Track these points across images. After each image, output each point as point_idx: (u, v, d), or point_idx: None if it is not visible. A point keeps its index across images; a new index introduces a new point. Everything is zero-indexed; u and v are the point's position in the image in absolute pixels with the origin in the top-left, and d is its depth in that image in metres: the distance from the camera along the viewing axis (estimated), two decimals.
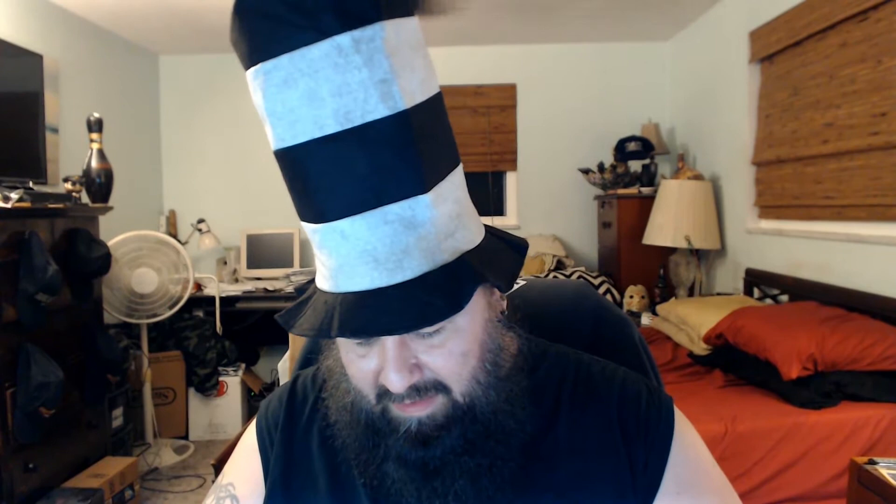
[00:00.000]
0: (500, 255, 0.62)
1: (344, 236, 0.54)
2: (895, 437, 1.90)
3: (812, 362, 2.01)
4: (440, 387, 0.59)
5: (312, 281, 0.64)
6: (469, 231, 0.59)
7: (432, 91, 0.57)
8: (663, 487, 0.64)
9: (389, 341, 0.57)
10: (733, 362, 2.38)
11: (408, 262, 0.54)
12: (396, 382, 0.56)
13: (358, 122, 0.52)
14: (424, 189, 0.55)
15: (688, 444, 0.67)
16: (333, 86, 0.52)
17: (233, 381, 3.73)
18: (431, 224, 0.55)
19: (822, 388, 2.01)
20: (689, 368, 2.54)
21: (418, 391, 0.58)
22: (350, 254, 0.54)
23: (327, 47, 0.51)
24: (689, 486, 0.64)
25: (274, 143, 0.55)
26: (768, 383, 2.14)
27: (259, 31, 0.52)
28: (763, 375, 2.17)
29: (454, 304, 0.54)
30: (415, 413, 0.59)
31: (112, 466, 2.66)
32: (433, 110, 0.57)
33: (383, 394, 0.60)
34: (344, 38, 0.51)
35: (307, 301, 0.60)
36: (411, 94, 0.54)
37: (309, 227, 0.57)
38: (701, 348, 2.57)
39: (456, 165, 0.60)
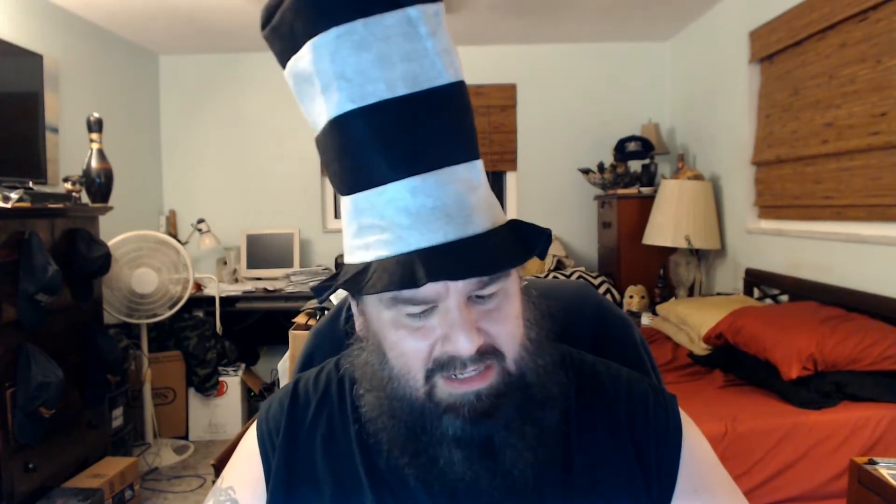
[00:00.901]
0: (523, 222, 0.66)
1: (414, 193, 0.56)
2: (895, 437, 1.90)
3: (812, 362, 2.01)
4: (497, 353, 0.60)
5: (335, 276, 0.63)
6: (498, 203, 0.64)
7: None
8: (679, 487, 0.65)
9: (454, 303, 0.57)
10: (733, 362, 2.38)
11: (475, 218, 0.57)
12: (466, 344, 0.56)
13: (425, 86, 0.56)
14: (478, 154, 0.61)
15: (695, 442, 0.68)
16: (403, 51, 0.56)
17: (233, 381, 3.73)
18: (485, 188, 0.60)
19: (822, 388, 2.01)
20: (689, 368, 2.54)
21: (480, 358, 0.58)
22: (421, 211, 0.56)
23: (399, 16, 0.56)
24: (703, 484, 0.65)
25: (337, 108, 0.57)
26: (768, 383, 2.14)
27: None
28: (763, 375, 2.17)
29: (526, 251, 0.58)
30: (473, 387, 0.59)
31: (112, 466, 2.66)
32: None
33: (436, 368, 0.59)
34: (413, 11, 0.56)
35: (365, 270, 0.58)
36: (460, 67, 0.60)
37: (371, 193, 0.58)
38: (701, 348, 2.57)
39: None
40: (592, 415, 0.68)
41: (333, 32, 0.56)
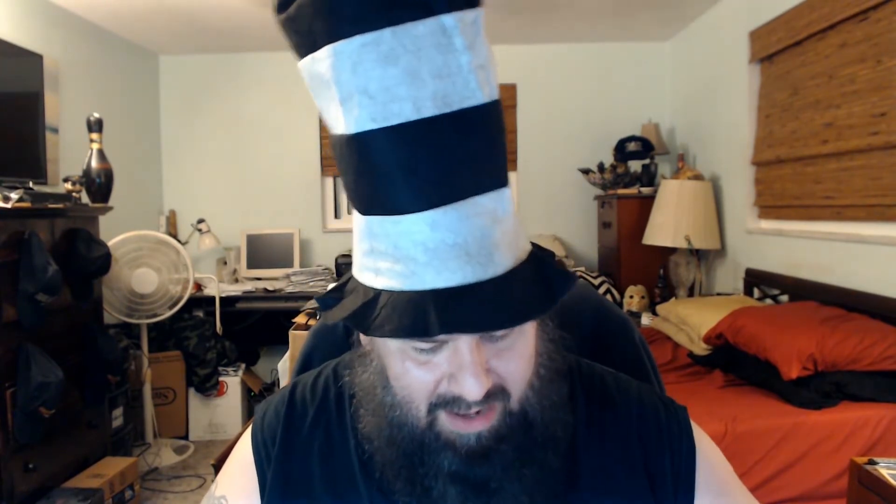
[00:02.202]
0: (546, 253, 0.60)
1: (434, 227, 0.51)
2: (895, 437, 1.90)
3: (812, 362, 2.01)
4: (503, 394, 0.57)
5: (342, 286, 0.60)
6: (524, 230, 0.59)
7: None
8: (698, 499, 0.64)
9: (465, 345, 0.54)
10: (733, 362, 2.38)
11: (498, 257, 0.53)
12: (475, 388, 0.53)
13: (456, 106, 0.50)
14: (506, 182, 0.55)
15: (709, 452, 0.67)
16: (434, 66, 0.49)
17: (233, 381, 3.73)
18: (511, 219, 0.55)
19: (822, 388, 2.00)
20: (689, 368, 2.54)
21: (486, 399, 0.55)
22: (440, 247, 0.51)
23: (433, 25, 0.49)
24: (722, 492, 0.65)
25: (357, 125, 0.51)
26: (768, 383, 2.14)
27: (360, 0, 0.49)
28: (763, 375, 2.17)
29: (550, 298, 0.53)
30: (475, 427, 0.56)
31: (112, 466, 2.66)
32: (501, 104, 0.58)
33: (440, 404, 0.57)
34: (449, 19, 0.49)
35: (374, 302, 0.54)
36: (496, 82, 0.54)
37: (384, 220, 0.53)
38: (701, 348, 2.57)
39: None
40: (601, 429, 0.66)
41: (358, 41, 0.49)
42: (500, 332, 0.55)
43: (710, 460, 0.66)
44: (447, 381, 0.56)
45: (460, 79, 0.50)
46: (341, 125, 0.53)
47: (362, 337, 0.65)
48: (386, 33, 0.49)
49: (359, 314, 0.55)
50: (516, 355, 0.57)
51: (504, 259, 0.53)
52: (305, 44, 0.53)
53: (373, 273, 0.56)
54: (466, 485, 0.57)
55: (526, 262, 0.55)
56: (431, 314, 0.50)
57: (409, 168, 0.50)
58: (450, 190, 0.51)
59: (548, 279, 0.55)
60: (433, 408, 0.57)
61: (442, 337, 0.53)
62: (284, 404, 0.72)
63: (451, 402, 0.56)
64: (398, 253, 0.53)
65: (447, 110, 0.50)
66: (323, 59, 0.51)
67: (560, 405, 0.61)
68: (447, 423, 0.57)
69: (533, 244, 0.61)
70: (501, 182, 0.54)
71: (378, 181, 0.52)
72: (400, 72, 0.49)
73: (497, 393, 0.56)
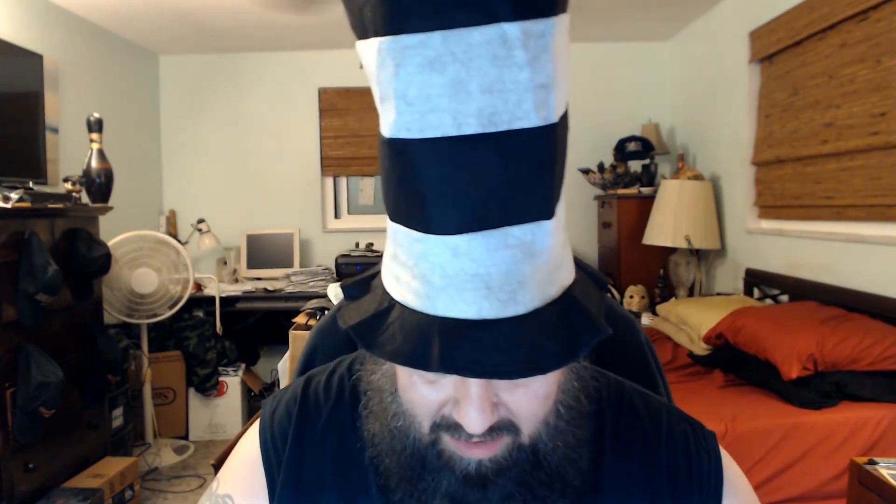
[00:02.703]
0: (589, 291, 0.55)
1: (456, 254, 0.47)
2: (895, 437, 1.90)
3: (812, 362, 2.01)
4: (511, 428, 0.54)
5: (369, 280, 0.58)
6: (570, 261, 0.54)
7: (567, 99, 0.51)
8: None
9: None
10: (733, 362, 2.38)
11: (521, 295, 0.48)
12: (477, 423, 0.50)
13: (503, 126, 0.45)
14: (550, 214, 0.48)
15: (736, 484, 0.64)
16: (486, 80, 0.44)
17: (233, 381, 3.73)
18: (548, 254, 0.49)
19: (822, 388, 2.00)
20: (689, 368, 2.54)
21: (490, 431, 0.53)
22: (459, 275, 0.47)
23: (491, 34, 0.43)
24: None
25: (393, 130, 0.47)
26: (768, 383, 2.14)
27: None
28: (763, 375, 2.17)
29: (570, 353, 0.48)
30: (476, 455, 0.54)
31: (112, 466, 2.66)
32: (567, 123, 0.51)
33: (443, 425, 0.54)
34: (513, 28, 0.43)
35: (386, 314, 0.52)
36: (560, 104, 0.47)
37: (408, 233, 0.49)
38: (701, 348, 2.57)
39: (563, 182, 0.52)
40: (628, 458, 0.63)
41: (403, 41, 0.44)
42: None
43: (736, 488, 0.64)
44: (451, 405, 0.54)
45: (514, 97, 0.44)
46: (380, 118, 0.49)
47: None
48: (435, 37, 0.43)
49: (367, 325, 0.52)
50: (530, 393, 0.53)
51: (529, 298, 0.48)
52: (357, 27, 0.48)
53: (394, 279, 0.53)
54: None
55: (555, 303, 0.50)
56: (434, 347, 0.47)
57: (439, 187, 0.46)
58: (480, 217, 0.46)
59: (573, 328, 0.49)
60: (435, 427, 0.55)
61: None
62: (297, 403, 0.68)
63: (452, 427, 0.54)
64: (416, 270, 0.49)
65: (491, 130, 0.45)
66: (368, 50, 0.47)
67: (577, 446, 0.58)
68: (450, 444, 0.55)
69: (580, 273, 0.56)
70: (544, 214, 0.48)
71: (406, 192, 0.48)
72: (445, 81, 0.44)
73: (504, 427, 0.54)
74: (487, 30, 0.43)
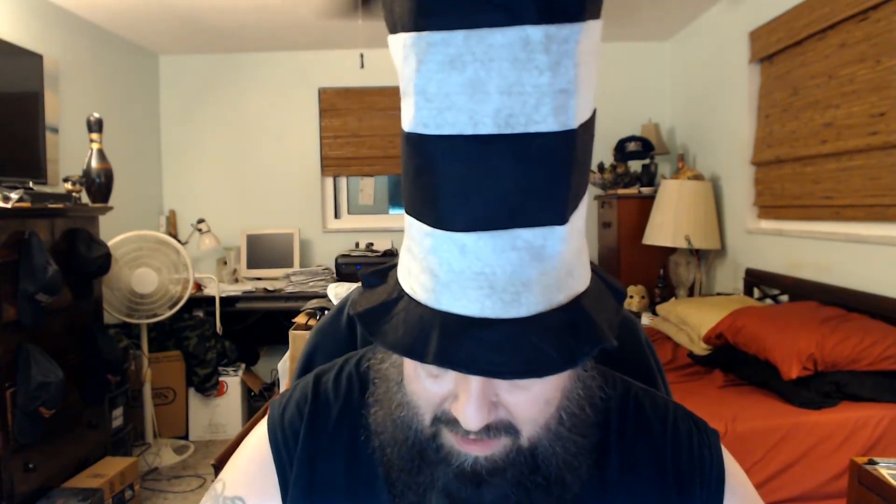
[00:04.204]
0: (604, 301, 0.54)
1: (463, 252, 0.47)
2: (895, 437, 1.90)
3: (812, 362, 2.01)
4: (510, 429, 0.54)
5: (387, 270, 0.58)
6: (584, 269, 0.53)
7: (593, 107, 0.51)
8: None
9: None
10: (733, 362, 2.38)
11: (525, 298, 0.48)
12: (473, 420, 0.51)
13: (519, 129, 0.45)
14: (563, 220, 0.48)
15: (738, 482, 0.65)
16: (505, 82, 0.44)
17: (233, 381, 3.73)
18: (558, 259, 0.49)
19: (822, 388, 2.01)
20: (689, 368, 2.54)
21: (488, 430, 0.53)
22: (464, 272, 0.48)
23: (513, 36, 0.43)
24: None
25: (412, 125, 0.48)
26: (768, 383, 2.14)
27: None
28: (763, 375, 2.17)
29: (569, 359, 0.48)
30: (473, 451, 0.54)
31: (112, 466, 2.66)
32: (591, 130, 0.51)
33: (443, 419, 0.55)
34: (536, 31, 0.43)
35: (394, 304, 0.53)
36: (582, 111, 0.47)
37: (421, 227, 0.50)
38: (701, 348, 2.57)
39: (586, 190, 0.53)
40: (635, 455, 0.64)
41: (426, 38, 0.45)
42: None
43: (737, 488, 0.64)
44: (452, 400, 0.54)
45: (532, 100, 0.44)
46: (403, 117, 0.50)
47: None
48: (458, 36, 0.44)
49: (374, 313, 0.53)
50: (531, 396, 0.54)
51: (534, 302, 0.48)
52: (388, 22, 0.49)
53: (406, 272, 0.54)
54: (458, 502, 0.56)
55: (561, 309, 0.49)
56: (433, 340, 0.48)
57: (451, 184, 0.47)
58: (489, 217, 0.46)
59: (575, 337, 0.49)
60: (436, 421, 0.56)
61: None
62: (308, 401, 0.68)
63: (452, 422, 0.54)
64: (425, 263, 0.50)
65: (507, 131, 0.45)
66: (395, 45, 0.48)
67: (578, 454, 0.58)
68: (449, 437, 0.56)
69: (597, 282, 0.56)
70: (556, 220, 0.48)
71: (420, 187, 0.49)
72: (464, 80, 0.45)
73: (502, 428, 0.54)
74: (510, 31, 0.43)
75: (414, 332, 0.49)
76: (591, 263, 0.57)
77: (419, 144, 0.48)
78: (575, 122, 0.47)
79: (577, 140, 0.47)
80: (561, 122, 0.46)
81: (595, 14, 0.47)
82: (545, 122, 0.45)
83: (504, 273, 0.47)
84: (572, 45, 0.45)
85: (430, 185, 0.48)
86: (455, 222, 0.47)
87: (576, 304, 0.51)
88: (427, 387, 0.55)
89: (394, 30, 0.48)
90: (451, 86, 0.45)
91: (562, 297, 0.50)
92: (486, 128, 0.45)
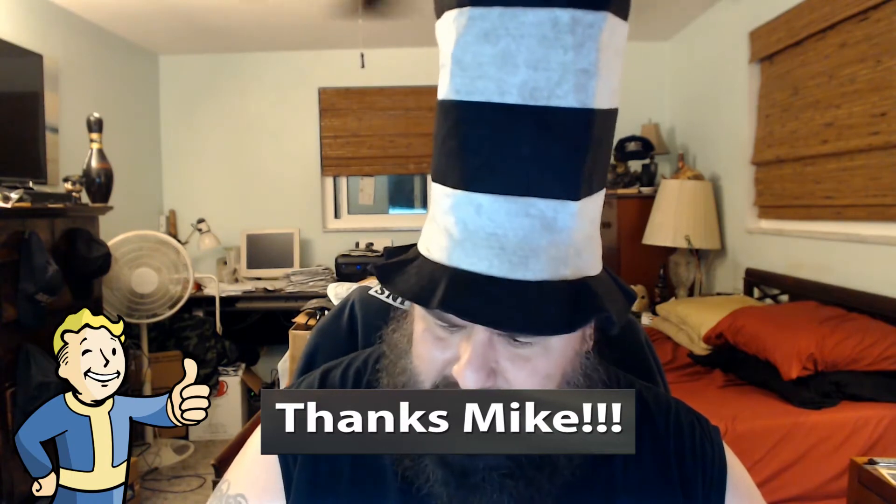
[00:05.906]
0: (613, 295, 0.57)
1: (479, 212, 0.51)
2: (895, 437, 1.90)
3: (812, 362, 2.01)
4: None
5: (409, 246, 0.61)
6: (594, 258, 0.57)
7: (615, 104, 0.55)
8: None
9: (479, 334, 0.53)
10: (733, 362, 2.38)
11: (533, 263, 0.51)
12: (469, 378, 0.53)
13: (542, 102, 0.49)
14: (576, 196, 0.52)
15: (740, 476, 0.66)
16: (532, 57, 0.49)
17: (233, 381, 3.73)
18: (568, 234, 0.52)
19: (822, 388, 2.00)
20: (689, 368, 2.54)
21: None
22: (478, 231, 0.51)
23: (544, 16, 0.49)
24: None
25: (446, 92, 0.53)
26: (768, 383, 2.14)
27: None
28: (763, 375, 2.17)
29: (568, 323, 0.51)
30: None
31: None
32: (610, 123, 0.55)
33: (442, 385, 0.57)
34: (564, 14, 0.49)
35: (410, 262, 0.56)
36: (602, 96, 0.52)
37: (443, 190, 0.54)
38: (701, 348, 2.57)
39: (603, 188, 0.58)
40: (640, 450, 0.63)
41: (468, 14, 0.50)
42: (521, 338, 0.54)
43: (738, 483, 0.65)
44: (454, 366, 0.56)
45: (556, 76, 0.49)
46: (439, 88, 0.54)
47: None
48: (494, 12, 0.49)
49: (390, 267, 0.57)
50: (531, 369, 0.55)
51: (540, 268, 0.51)
52: (436, 10, 0.55)
53: (426, 238, 0.57)
54: (452, 472, 0.57)
55: (567, 282, 0.52)
56: (440, 289, 0.51)
57: (475, 147, 0.51)
58: (507, 183, 0.50)
59: (578, 307, 0.51)
60: (436, 388, 0.57)
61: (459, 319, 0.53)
62: None
63: (452, 387, 0.55)
64: (442, 223, 0.54)
65: (531, 103, 0.49)
66: (440, 27, 0.54)
67: None
68: None
69: (611, 282, 0.58)
70: (569, 195, 0.51)
71: (447, 150, 0.53)
72: (496, 52, 0.49)
73: None
74: (541, 12, 0.49)
75: (423, 282, 0.52)
76: (606, 268, 0.61)
77: (450, 109, 0.52)
78: (594, 103, 0.51)
79: (594, 120, 0.51)
80: (580, 100, 0.50)
81: (621, 12, 0.52)
82: (566, 97, 0.50)
83: (515, 237, 0.51)
84: (596, 30, 0.50)
85: (457, 147, 0.52)
86: (475, 183, 0.51)
87: (582, 282, 0.53)
88: (431, 352, 0.57)
89: (440, 13, 0.54)
90: (484, 56, 0.50)
91: (568, 272, 0.53)
92: (512, 97, 0.49)
